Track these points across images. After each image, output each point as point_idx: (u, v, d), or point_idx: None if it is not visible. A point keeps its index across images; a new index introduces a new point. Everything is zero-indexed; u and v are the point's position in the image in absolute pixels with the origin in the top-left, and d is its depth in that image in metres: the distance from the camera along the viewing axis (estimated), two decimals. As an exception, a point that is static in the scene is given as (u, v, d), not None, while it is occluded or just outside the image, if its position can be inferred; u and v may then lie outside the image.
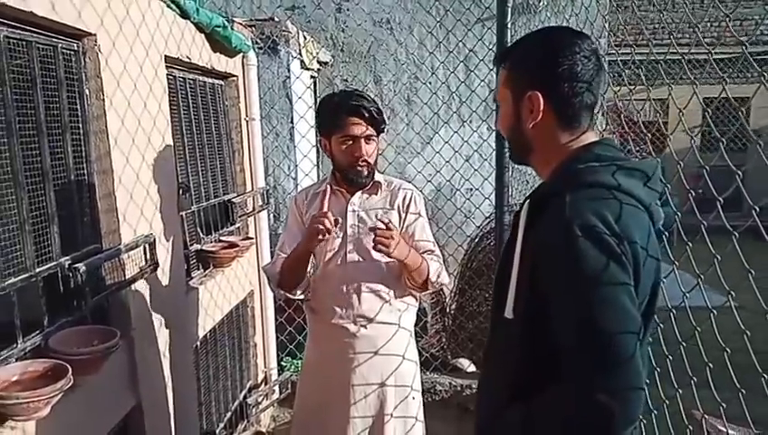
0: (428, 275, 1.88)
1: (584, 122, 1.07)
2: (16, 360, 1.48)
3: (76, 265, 1.64)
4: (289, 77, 4.11)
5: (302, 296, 1.97)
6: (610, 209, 0.96)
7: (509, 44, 3.06)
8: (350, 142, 1.84)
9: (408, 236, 1.94)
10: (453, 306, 4.36)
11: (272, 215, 4.01)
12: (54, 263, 1.63)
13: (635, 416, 0.93)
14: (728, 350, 1.25)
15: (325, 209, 1.76)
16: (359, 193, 1.93)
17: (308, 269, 1.91)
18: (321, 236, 1.73)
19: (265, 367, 3.37)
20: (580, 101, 1.05)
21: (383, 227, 1.72)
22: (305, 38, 4.41)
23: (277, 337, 3.42)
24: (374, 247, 1.74)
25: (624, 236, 0.94)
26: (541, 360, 1.01)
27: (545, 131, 1.07)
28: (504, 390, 1.08)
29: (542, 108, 1.05)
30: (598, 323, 0.92)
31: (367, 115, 1.83)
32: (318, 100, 4.77)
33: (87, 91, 1.77)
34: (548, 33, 1.12)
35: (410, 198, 1.95)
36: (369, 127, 1.84)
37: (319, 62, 4.91)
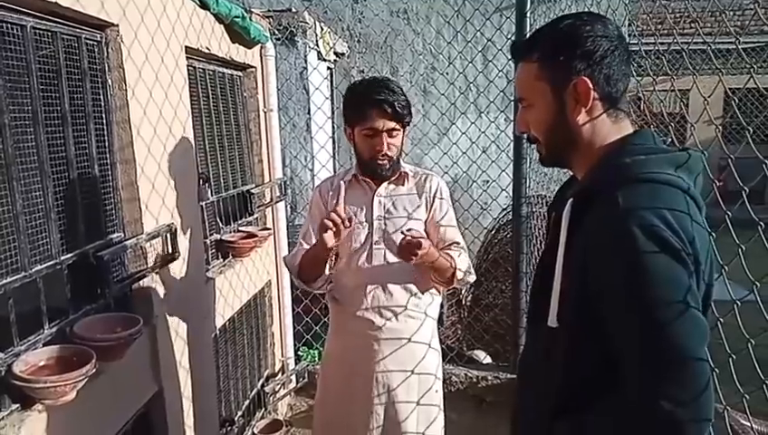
0: (454, 273, 1.87)
1: (623, 109, 1.03)
2: (43, 345, 1.51)
3: (100, 254, 1.67)
4: (306, 68, 4.11)
5: (321, 290, 1.98)
6: (668, 207, 0.89)
7: (528, 35, 3.05)
8: (372, 135, 1.82)
9: (434, 226, 1.94)
10: (469, 298, 4.36)
11: (289, 206, 4.03)
12: (79, 251, 1.66)
13: (705, 427, 0.87)
14: (752, 341, 1.24)
15: (341, 203, 1.74)
16: (385, 184, 1.92)
17: (326, 266, 1.91)
18: (330, 233, 1.70)
19: (282, 356, 3.41)
20: (619, 82, 1.00)
21: (410, 237, 1.70)
22: (322, 29, 4.41)
23: (294, 327, 3.45)
24: (399, 255, 1.74)
25: (684, 235, 0.88)
26: (590, 369, 0.96)
27: (592, 121, 1.01)
28: (548, 402, 1.02)
29: (591, 94, 0.99)
30: (664, 329, 0.86)
31: (390, 110, 1.79)
32: (334, 91, 4.78)
33: (110, 82, 1.79)
34: (578, 18, 1.04)
35: (437, 189, 1.95)
36: (393, 120, 1.81)
37: (335, 53, 4.91)
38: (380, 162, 1.85)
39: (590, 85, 0.99)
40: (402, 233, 1.74)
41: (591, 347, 0.95)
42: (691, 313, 0.87)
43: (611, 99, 1.01)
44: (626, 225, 0.88)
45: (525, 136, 3.14)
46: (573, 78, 0.99)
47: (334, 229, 1.70)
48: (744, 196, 1.26)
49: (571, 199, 0.99)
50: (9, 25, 1.42)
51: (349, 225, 1.73)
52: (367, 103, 1.81)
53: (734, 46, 1.30)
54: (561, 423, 0.99)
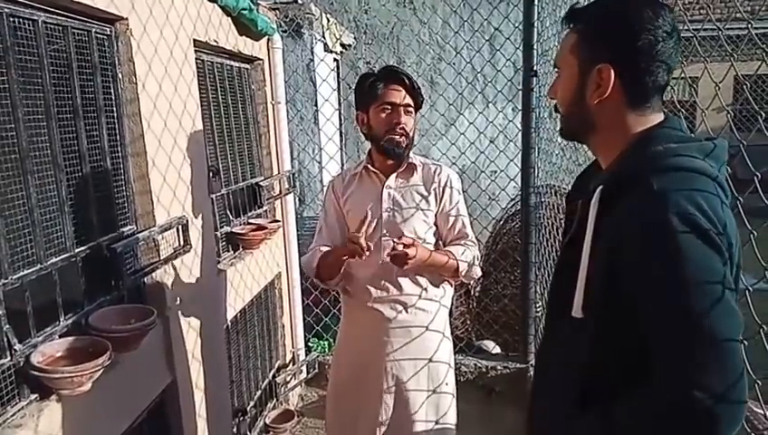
0: (458, 268, 1.87)
1: (654, 104, 0.99)
2: (59, 337, 1.54)
3: (113, 246, 1.68)
4: (313, 60, 4.11)
5: (338, 288, 2.00)
6: (702, 196, 0.87)
7: (535, 23, 3.03)
8: (389, 109, 1.84)
9: (443, 217, 1.94)
10: (477, 289, 4.36)
11: (297, 198, 4.05)
12: (92, 243, 1.68)
13: (738, 421, 0.85)
14: (765, 327, 1.23)
15: (363, 238, 1.75)
16: (393, 176, 1.92)
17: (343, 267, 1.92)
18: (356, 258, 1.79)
19: (293, 347, 3.43)
20: (653, 80, 0.96)
21: (401, 246, 1.72)
22: (328, 20, 4.40)
23: (304, 318, 3.47)
24: (391, 260, 1.76)
25: (718, 222, 0.87)
26: (616, 358, 0.94)
27: (610, 110, 0.98)
28: (569, 394, 1.00)
29: (611, 84, 0.96)
30: (700, 316, 0.85)
31: (407, 82, 1.85)
32: (341, 83, 4.77)
33: (120, 75, 1.80)
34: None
35: (446, 180, 1.94)
36: (408, 96, 1.86)
37: (342, 44, 4.90)
38: (398, 138, 1.85)
39: (613, 75, 0.95)
40: (393, 241, 1.76)
41: (618, 336, 0.93)
42: (726, 300, 0.86)
43: (639, 93, 0.97)
44: (662, 212, 0.87)
45: (533, 128, 3.07)
46: (598, 62, 0.96)
47: (359, 252, 1.75)
48: (757, 181, 1.25)
49: (601, 187, 0.97)
50: (21, 20, 1.44)
51: (369, 253, 1.76)
52: (383, 79, 1.86)
53: (745, 32, 1.28)
54: (587, 414, 0.97)
